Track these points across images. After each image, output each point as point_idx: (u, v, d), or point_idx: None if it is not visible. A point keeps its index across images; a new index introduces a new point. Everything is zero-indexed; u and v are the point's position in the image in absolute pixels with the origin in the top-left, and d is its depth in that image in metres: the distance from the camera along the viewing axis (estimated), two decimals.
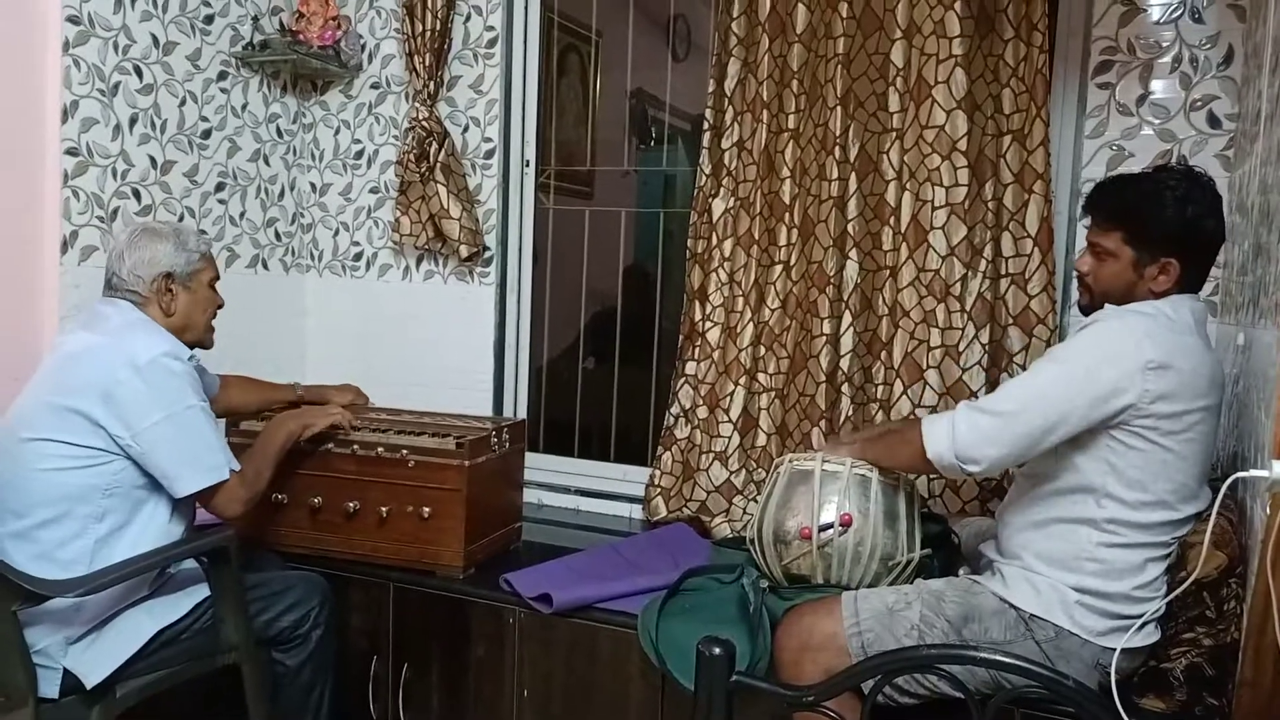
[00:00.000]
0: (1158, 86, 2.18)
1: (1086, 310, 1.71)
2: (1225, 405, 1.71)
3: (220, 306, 2.00)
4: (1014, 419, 1.57)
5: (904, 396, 2.29)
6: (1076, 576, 1.58)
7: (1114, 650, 1.51)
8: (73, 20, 2.20)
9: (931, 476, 2.28)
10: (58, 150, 2.20)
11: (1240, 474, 1.28)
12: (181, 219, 2.53)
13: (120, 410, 1.70)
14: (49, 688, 1.67)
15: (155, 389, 1.73)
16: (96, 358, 1.74)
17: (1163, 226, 1.58)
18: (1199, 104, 2.14)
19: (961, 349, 2.26)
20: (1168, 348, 1.51)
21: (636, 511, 2.71)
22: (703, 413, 2.55)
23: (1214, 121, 2.13)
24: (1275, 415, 1.34)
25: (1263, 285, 1.62)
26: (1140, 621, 1.55)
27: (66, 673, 1.68)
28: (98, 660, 1.69)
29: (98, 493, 1.72)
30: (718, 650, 1.13)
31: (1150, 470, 1.55)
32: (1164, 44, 2.17)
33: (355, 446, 2.17)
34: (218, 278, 1.98)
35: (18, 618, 1.59)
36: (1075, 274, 1.74)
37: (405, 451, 2.15)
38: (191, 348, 1.91)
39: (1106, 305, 1.65)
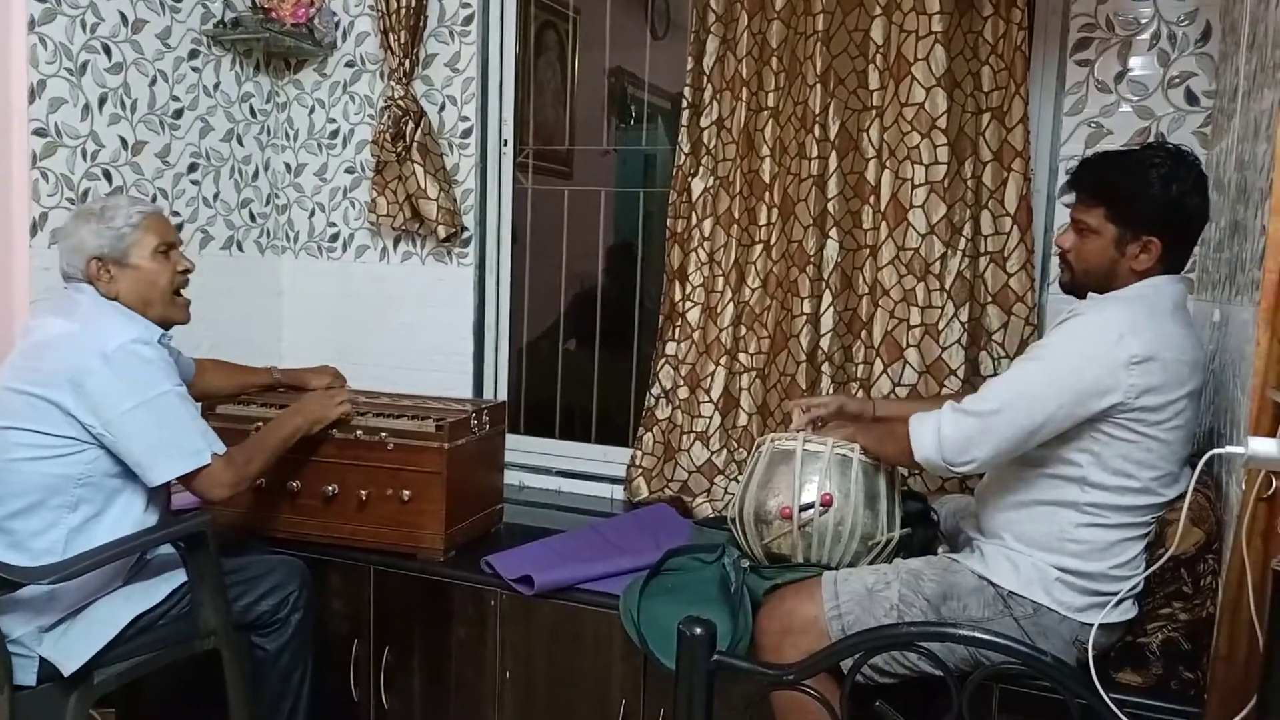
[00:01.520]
0: (1136, 63, 2.18)
1: (1067, 288, 1.71)
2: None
3: (185, 271, 1.89)
4: (998, 419, 1.56)
5: (884, 375, 2.30)
6: (1057, 556, 1.59)
7: (1092, 626, 1.52)
8: None
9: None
10: (25, 131, 2.16)
11: (1216, 450, 1.29)
12: (154, 200, 2.48)
13: (91, 400, 1.68)
14: (25, 675, 1.65)
15: (126, 377, 1.70)
16: (67, 346, 1.71)
17: (1147, 204, 1.57)
18: (1177, 81, 2.15)
19: (941, 327, 2.27)
20: (1150, 339, 1.50)
21: (618, 492, 2.71)
22: (684, 393, 2.54)
23: (1192, 98, 2.14)
24: (1251, 392, 1.35)
25: (1239, 262, 1.62)
26: (1118, 598, 1.56)
27: (43, 660, 1.66)
28: (74, 647, 1.67)
29: (71, 482, 1.70)
30: (699, 630, 1.13)
31: (1135, 459, 1.55)
32: (1142, 21, 2.17)
33: (334, 430, 2.15)
34: (167, 243, 1.87)
35: None
36: (1056, 251, 1.73)
37: (384, 434, 2.13)
38: (163, 325, 1.86)
39: (1090, 295, 1.64)
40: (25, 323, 1.98)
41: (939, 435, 1.61)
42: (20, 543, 1.67)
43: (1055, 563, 1.59)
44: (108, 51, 2.34)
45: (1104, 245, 1.61)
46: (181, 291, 1.91)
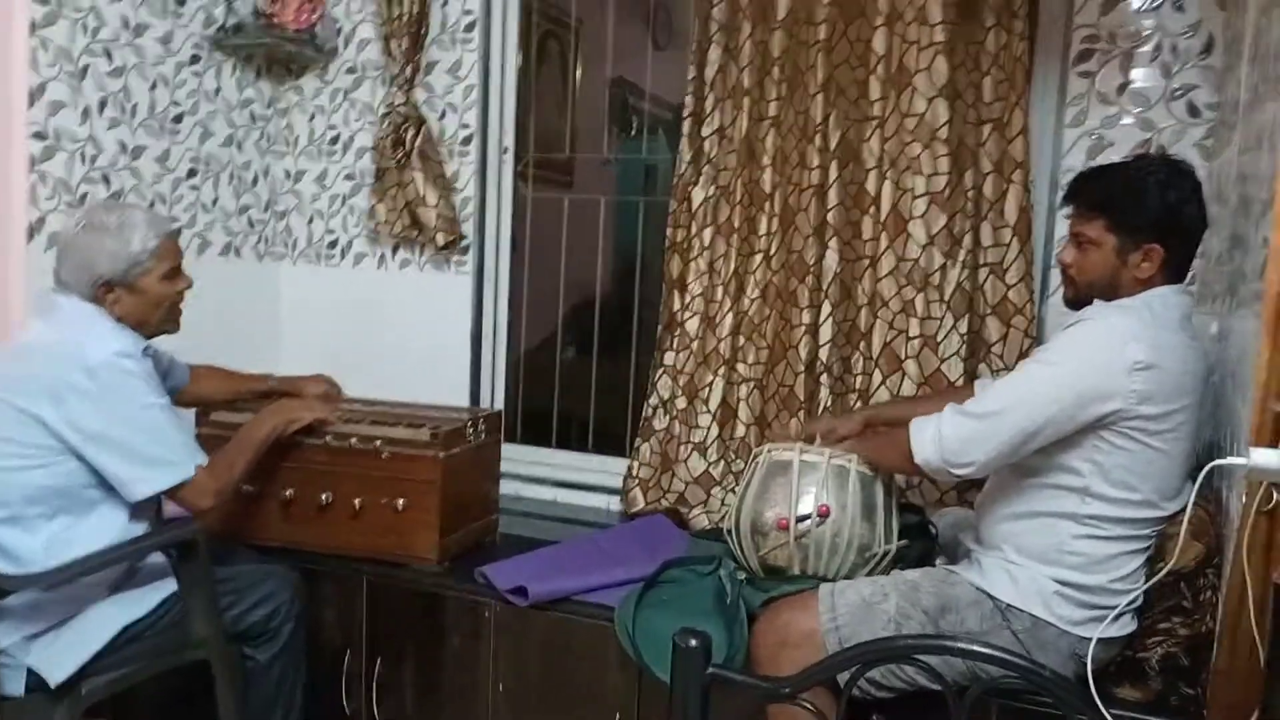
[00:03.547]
0: (1138, 75, 2.18)
1: (1070, 303, 1.70)
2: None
3: (184, 289, 1.87)
4: (999, 421, 1.56)
5: (883, 386, 2.28)
6: (1055, 569, 1.58)
7: (1090, 640, 1.50)
8: (40, 0, 2.15)
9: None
10: (24, 134, 2.15)
11: (1217, 462, 1.28)
12: (152, 206, 2.48)
13: (70, 414, 1.65)
14: (13, 686, 1.64)
15: (108, 392, 1.67)
16: (48, 356, 1.68)
17: (1145, 212, 1.57)
18: (1179, 93, 2.14)
19: (940, 339, 2.25)
20: (1153, 346, 1.50)
21: (614, 503, 2.69)
22: (681, 403, 2.53)
23: (1193, 111, 2.13)
24: (1253, 403, 1.34)
25: (1241, 274, 1.61)
26: (1116, 611, 1.54)
27: (30, 670, 1.65)
28: (62, 657, 1.66)
29: (49, 493, 1.67)
30: (694, 642, 1.12)
31: (1136, 470, 1.54)
32: (1145, 33, 2.16)
33: (328, 437, 2.13)
34: (176, 267, 1.85)
35: None
36: (1059, 266, 1.72)
37: (379, 442, 2.11)
38: (153, 334, 1.86)
39: (1095, 301, 1.63)
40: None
41: (939, 436, 1.60)
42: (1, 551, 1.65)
43: (1054, 575, 1.57)
44: (109, 55, 2.34)
45: (1105, 256, 1.61)
46: (178, 304, 1.89)
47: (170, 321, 1.89)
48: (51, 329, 1.73)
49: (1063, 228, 2.24)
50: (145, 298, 1.80)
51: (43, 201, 2.19)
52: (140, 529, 1.79)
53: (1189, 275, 1.66)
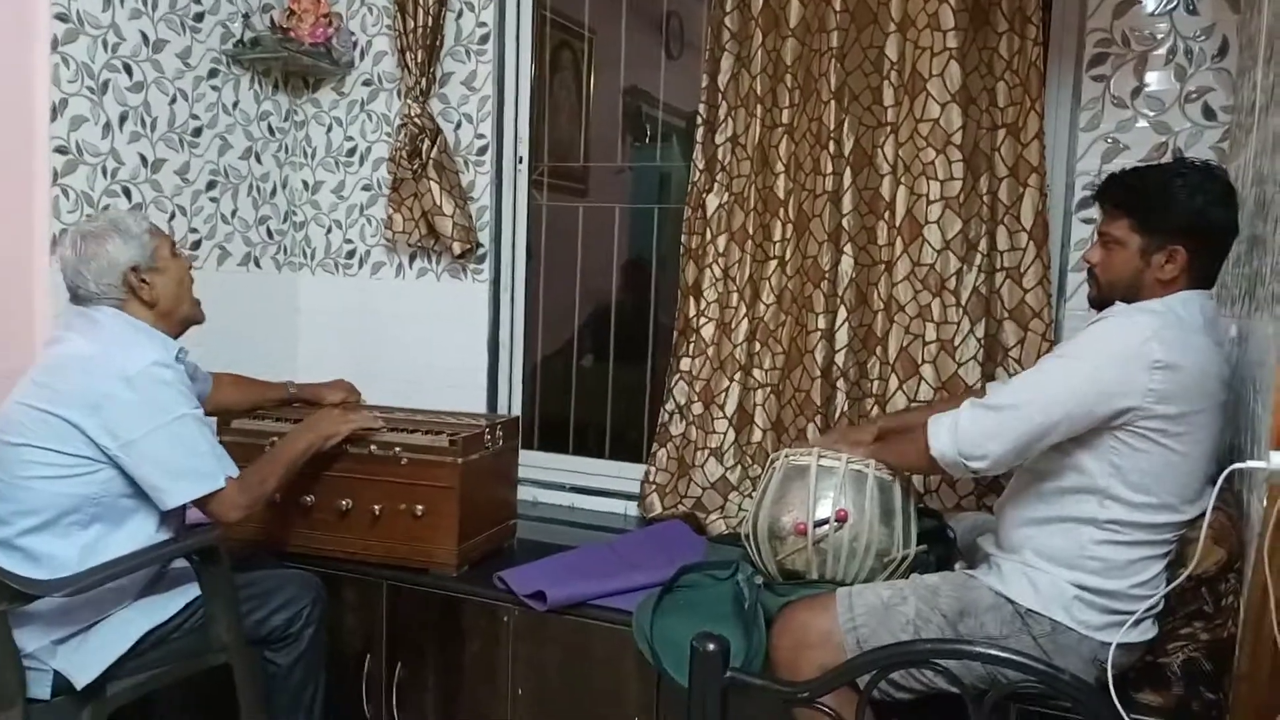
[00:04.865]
0: (1152, 79, 2.18)
1: (1095, 302, 1.70)
2: None
3: (190, 266, 1.93)
4: (1016, 414, 1.56)
5: (899, 391, 2.28)
6: (1076, 574, 1.57)
7: (1110, 645, 1.50)
8: (61, 18, 2.19)
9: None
10: (47, 149, 2.19)
11: (1237, 465, 1.27)
12: (173, 218, 2.51)
13: (109, 422, 1.68)
14: (40, 689, 1.65)
15: (146, 400, 1.70)
16: (87, 367, 1.71)
17: (1170, 213, 1.57)
18: (1194, 96, 2.14)
19: (957, 343, 2.25)
20: (1175, 347, 1.49)
21: (632, 508, 2.70)
22: (698, 409, 2.54)
23: (1209, 113, 2.13)
24: (1272, 406, 1.33)
25: (1259, 276, 1.61)
26: (1136, 616, 1.54)
27: (56, 674, 1.66)
28: (87, 661, 1.67)
29: (86, 501, 1.70)
30: (711, 647, 1.12)
31: (1154, 473, 1.53)
32: (1158, 36, 2.16)
33: (348, 445, 2.15)
34: (175, 244, 1.92)
35: (6, 619, 1.58)
36: (1084, 265, 1.72)
37: (398, 449, 2.13)
38: (185, 326, 1.90)
39: (1117, 303, 1.63)
40: (51, 335, 1.99)
41: (956, 430, 1.61)
42: (34, 559, 1.68)
43: (1074, 580, 1.56)
44: (129, 71, 2.37)
45: (1129, 256, 1.61)
46: (192, 285, 1.94)
47: (196, 308, 1.93)
48: (91, 342, 1.75)
49: (1080, 230, 2.26)
50: (170, 275, 1.85)
51: (65, 214, 2.23)
52: (167, 536, 1.82)
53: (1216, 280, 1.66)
